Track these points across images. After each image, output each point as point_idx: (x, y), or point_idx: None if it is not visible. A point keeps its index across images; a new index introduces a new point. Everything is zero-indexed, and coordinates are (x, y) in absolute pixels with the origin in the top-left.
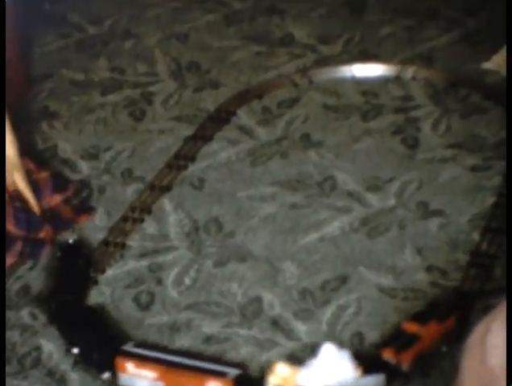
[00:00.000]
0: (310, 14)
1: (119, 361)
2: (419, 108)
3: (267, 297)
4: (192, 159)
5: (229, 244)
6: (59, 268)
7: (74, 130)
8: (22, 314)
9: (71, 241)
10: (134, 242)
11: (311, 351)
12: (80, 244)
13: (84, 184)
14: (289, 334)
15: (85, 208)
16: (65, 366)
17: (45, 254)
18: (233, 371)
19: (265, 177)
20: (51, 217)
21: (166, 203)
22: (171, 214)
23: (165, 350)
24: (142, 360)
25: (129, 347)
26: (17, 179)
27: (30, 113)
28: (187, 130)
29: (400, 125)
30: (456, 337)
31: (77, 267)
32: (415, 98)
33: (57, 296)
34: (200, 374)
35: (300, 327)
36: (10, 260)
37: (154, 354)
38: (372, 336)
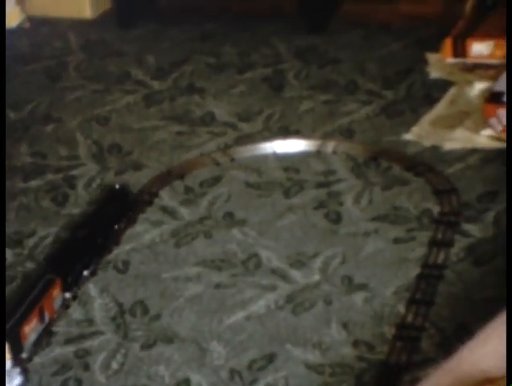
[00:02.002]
0: (230, 91)
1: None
2: (341, 182)
3: (195, 378)
4: (116, 242)
5: (156, 327)
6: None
7: None
8: None
9: (117, 186)
10: (60, 328)
11: None
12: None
13: None
14: None
15: None
16: None
17: None
18: None
19: (189, 257)
20: None
21: (91, 287)
22: (96, 298)
23: None
24: None
25: None
26: None
27: None
28: None
29: (322, 199)
30: None
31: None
32: (337, 172)
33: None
34: None
35: None
36: None
37: None
38: None
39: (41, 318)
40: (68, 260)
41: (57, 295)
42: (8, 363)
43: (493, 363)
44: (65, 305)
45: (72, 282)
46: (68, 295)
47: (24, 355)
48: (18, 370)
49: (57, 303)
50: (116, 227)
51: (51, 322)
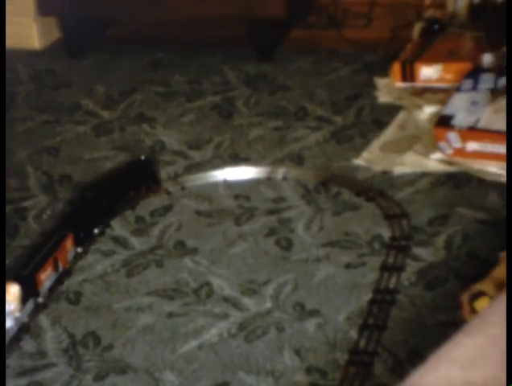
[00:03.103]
0: (179, 120)
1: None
2: (292, 208)
3: None
4: (68, 273)
5: (108, 357)
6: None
7: None
8: None
9: (142, 158)
10: (12, 361)
11: None
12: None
13: None
14: None
15: None
16: None
17: None
18: None
19: (141, 287)
20: None
21: (43, 319)
22: (48, 330)
23: None
24: None
25: None
26: None
27: None
28: None
29: (273, 226)
30: None
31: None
32: (287, 199)
33: None
34: None
35: None
36: None
37: None
38: None
39: (55, 267)
40: (81, 217)
41: (70, 248)
42: (12, 305)
43: None
44: (77, 257)
45: (84, 238)
46: (79, 249)
47: (40, 300)
48: (10, 314)
49: (70, 255)
50: (131, 193)
51: (65, 271)
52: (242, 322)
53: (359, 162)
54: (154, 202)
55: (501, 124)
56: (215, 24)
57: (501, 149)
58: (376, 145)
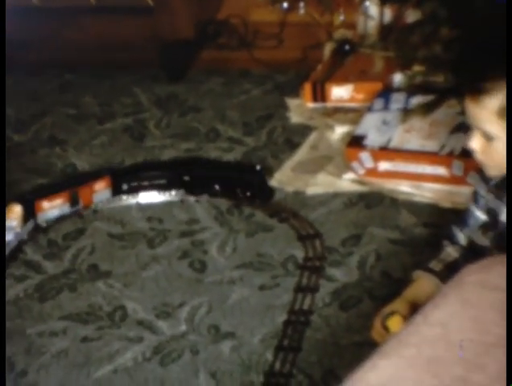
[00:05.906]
0: (91, 142)
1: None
2: (205, 230)
3: None
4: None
5: (22, 383)
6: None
7: None
8: None
9: (258, 167)
10: None
11: None
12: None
13: None
14: None
15: None
16: None
17: None
18: None
19: (54, 311)
20: None
21: None
22: None
23: None
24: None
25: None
26: None
27: None
28: None
29: (187, 249)
30: None
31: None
32: (200, 221)
33: None
34: None
35: None
36: None
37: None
38: None
39: (72, 201)
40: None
41: (100, 189)
42: (14, 222)
43: None
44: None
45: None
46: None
47: (42, 224)
48: (12, 229)
49: (97, 197)
50: (217, 187)
51: (84, 209)
52: (157, 345)
53: (271, 182)
54: (67, 225)
55: (412, 143)
56: (125, 45)
57: (412, 168)
58: (288, 165)
